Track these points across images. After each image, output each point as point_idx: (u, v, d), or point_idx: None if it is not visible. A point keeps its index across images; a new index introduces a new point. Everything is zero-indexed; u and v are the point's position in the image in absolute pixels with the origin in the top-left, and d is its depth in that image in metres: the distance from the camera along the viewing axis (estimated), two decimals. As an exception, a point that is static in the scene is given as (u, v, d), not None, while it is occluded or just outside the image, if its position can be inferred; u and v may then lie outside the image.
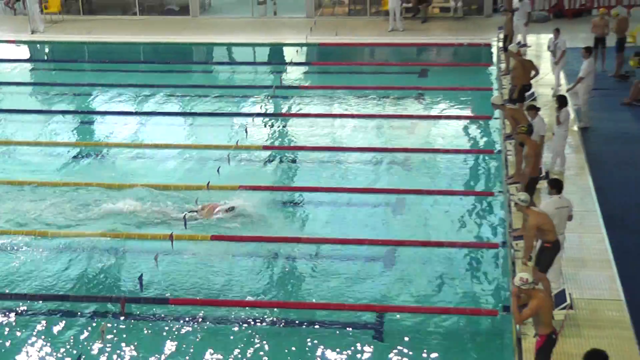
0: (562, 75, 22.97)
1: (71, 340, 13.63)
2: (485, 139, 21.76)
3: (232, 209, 17.39)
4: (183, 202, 17.73)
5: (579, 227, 15.56)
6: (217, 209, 17.39)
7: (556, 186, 13.80)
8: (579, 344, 12.17)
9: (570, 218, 13.93)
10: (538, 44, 26.91)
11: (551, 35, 22.66)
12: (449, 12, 32.63)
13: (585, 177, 17.82)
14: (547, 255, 12.81)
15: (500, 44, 25.99)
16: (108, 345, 13.34)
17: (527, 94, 20.63)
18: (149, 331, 13.85)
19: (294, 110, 24.34)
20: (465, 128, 22.48)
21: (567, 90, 20.90)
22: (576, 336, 12.38)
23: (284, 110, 24.25)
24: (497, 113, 21.28)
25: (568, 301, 12.59)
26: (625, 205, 16.94)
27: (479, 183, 19.04)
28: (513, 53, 20.90)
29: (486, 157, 20.19)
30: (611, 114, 21.66)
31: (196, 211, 17.31)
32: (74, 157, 20.96)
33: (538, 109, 17.58)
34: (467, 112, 23.58)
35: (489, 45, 28.45)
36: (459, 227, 16.88)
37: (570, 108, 19.99)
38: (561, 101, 17.69)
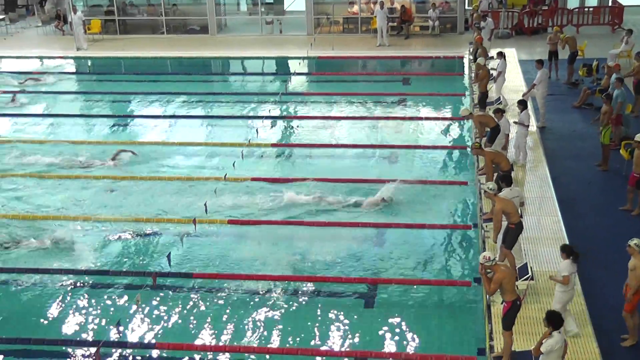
0: (523, 83, 22.86)
1: (112, 307, 13.70)
2: (459, 136, 21.65)
3: (384, 199, 17.11)
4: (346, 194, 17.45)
5: (538, 211, 15.53)
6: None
7: (505, 180, 13.71)
8: (539, 309, 12.16)
9: (522, 204, 13.87)
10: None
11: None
12: (428, 30, 32.42)
13: (543, 168, 17.74)
14: (512, 234, 12.76)
15: (471, 57, 25.83)
16: (142, 311, 13.40)
17: (495, 99, 20.53)
18: (177, 300, 13.83)
19: (297, 114, 24.20)
20: (442, 127, 22.35)
21: (523, 96, 20.83)
22: (536, 302, 12.36)
23: (289, 114, 24.11)
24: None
25: (530, 273, 12.53)
26: (576, 192, 16.86)
27: (454, 174, 18.90)
28: (480, 65, 20.79)
29: (460, 152, 20.06)
30: (564, 116, 21.54)
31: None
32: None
33: (503, 111, 17.51)
34: (444, 114, 23.42)
35: (461, 58, 28.28)
36: (437, 211, 16.78)
37: (531, 110, 19.93)
38: (522, 105, 17.63)
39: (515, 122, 17.74)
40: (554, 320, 9.93)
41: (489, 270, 10.87)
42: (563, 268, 11.56)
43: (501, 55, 21.82)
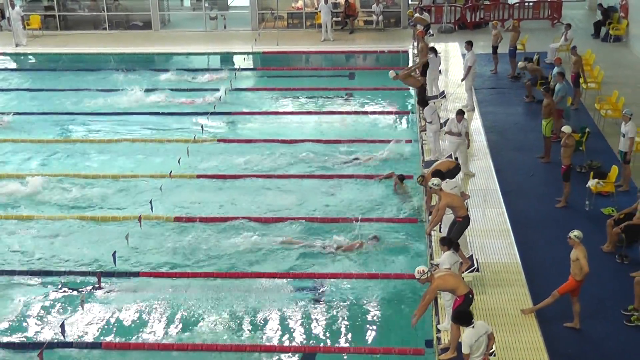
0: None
1: (56, 308, 13.46)
2: (404, 130, 21.77)
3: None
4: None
5: (483, 203, 15.72)
6: None
7: (439, 175, 13.71)
8: (485, 300, 12.31)
9: (462, 194, 13.98)
10: (446, 51, 27.05)
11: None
12: (372, 25, 32.58)
13: (487, 161, 17.95)
14: (459, 227, 12.87)
15: (415, 51, 25.99)
16: (87, 312, 13.19)
17: (439, 92, 20.60)
18: (122, 300, 13.61)
19: (242, 109, 23.97)
20: (388, 121, 22.46)
21: (462, 80, 21.10)
22: (482, 294, 12.49)
23: (234, 109, 23.88)
24: (414, 109, 21.40)
25: (475, 265, 12.66)
26: (519, 184, 17.12)
27: (400, 167, 18.93)
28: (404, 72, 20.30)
29: (406, 146, 20.11)
30: (506, 109, 21.85)
31: None
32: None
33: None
34: (389, 108, 23.51)
35: (405, 52, 28.46)
36: (384, 205, 16.83)
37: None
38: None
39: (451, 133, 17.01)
40: (461, 318, 10.10)
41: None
42: (444, 260, 11.58)
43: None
